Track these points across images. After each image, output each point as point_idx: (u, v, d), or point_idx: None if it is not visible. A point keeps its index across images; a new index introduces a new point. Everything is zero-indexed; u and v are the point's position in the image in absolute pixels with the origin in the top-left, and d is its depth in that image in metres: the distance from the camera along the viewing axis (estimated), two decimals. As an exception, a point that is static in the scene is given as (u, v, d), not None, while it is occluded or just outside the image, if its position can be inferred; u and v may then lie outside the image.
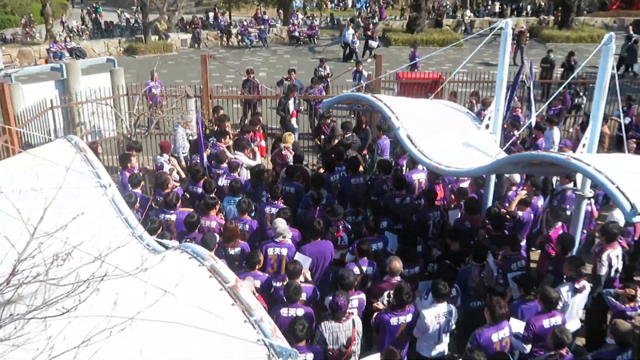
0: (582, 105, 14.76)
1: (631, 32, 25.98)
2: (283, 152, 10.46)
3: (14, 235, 3.10)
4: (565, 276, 6.74)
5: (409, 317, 6.07)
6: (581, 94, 15.10)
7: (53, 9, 32.86)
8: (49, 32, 30.64)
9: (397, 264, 6.58)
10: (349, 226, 8.03)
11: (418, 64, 19.94)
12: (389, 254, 7.13)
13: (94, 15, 38.63)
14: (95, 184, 4.86)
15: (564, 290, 6.50)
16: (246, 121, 14.26)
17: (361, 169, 10.06)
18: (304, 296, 6.28)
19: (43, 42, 29.72)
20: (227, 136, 10.62)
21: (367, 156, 11.41)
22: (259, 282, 6.48)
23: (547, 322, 5.97)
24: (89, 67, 14.05)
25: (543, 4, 41.00)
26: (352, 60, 24.97)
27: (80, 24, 37.23)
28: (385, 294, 6.54)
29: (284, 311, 5.96)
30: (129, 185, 8.50)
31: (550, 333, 5.66)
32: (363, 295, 6.52)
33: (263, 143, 11.73)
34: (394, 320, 6.02)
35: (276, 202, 8.19)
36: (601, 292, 7.04)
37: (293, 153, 10.41)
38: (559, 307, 6.33)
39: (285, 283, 6.34)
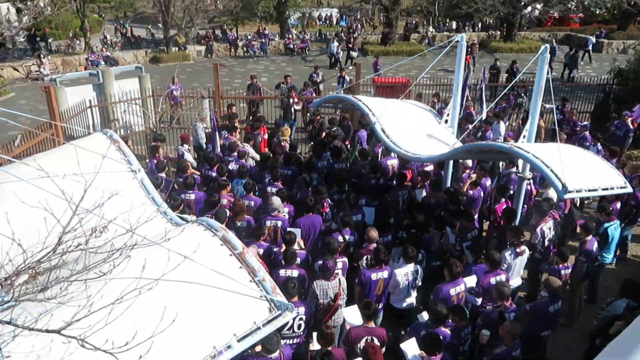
0: (524, 104, 14.72)
1: (554, 44, 25.71)
2: (282, 144, 10.43)
3: (59, 212, 3.05)
4: (508, 242, 6.76)
5: (385, 274, 6.09)
6: (522, 94, 15.08)
7: (90, 25, 32.33)
8: (87, 44, 30.19)
9: (374, 233, 6.59)
10: (332, 203, 7.98)
11: (379, 69, 19.87)
12: (367, 225, 7.13)
13: (124, 30, 37.97)
14: (127, 169, 4.80)
15: (507, 254, 6.52)
16: (251, 117, 14.16)
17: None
18: (298, 260, 6.27)
19: (82, 52, 29.23)
20: (236, 130, 10.64)
21: (349, 145, 11.36)
22: (262, 250, 6.45)
23: (493, 279, 6.00)
24: (120, 73, 13.84)
25: (491, 21, 40.76)
26: (337, 68, 24.76)
27: (118, 37, 36.53)
28: (364, 257, 6.56)
29: (282, 272, 5.95)
30: (156, 170, 8.43)
31: (494, 288, 5.70)
32: (346, 259, 6.51)
33: (266, 136, 11.66)
34: (374, 276, 6.04)
35: (276, 183, 8.15)
36: (537, 258, 7.08)
37: (289, 143, 10.37)
38: (504, 267, 6.37)
39: (283, 249, 6.33)
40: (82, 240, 2.87)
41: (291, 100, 13.42)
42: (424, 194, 8.55)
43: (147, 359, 2.64)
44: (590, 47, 27.71)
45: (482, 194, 8.42)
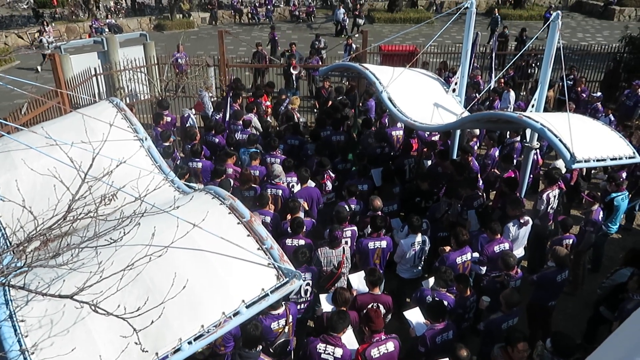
0: (534, 74, 14.35)
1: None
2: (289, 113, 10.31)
3: (67, 179, 3.06)
4: (509, 214, 6.68)
5: (383, 243, 6.13)
6: (533, 64, 14.67)
7: (93, -9, 31.77)
8: (91, 11, 29.76)
9: (378, 202, 6.57)
10: (333, 175, 7.88)
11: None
12: (373, 193, 7.10)
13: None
14: (133, 138, 4.79)
15: (511, 225, 6.47)
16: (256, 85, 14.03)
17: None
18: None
19: (86, 19, 28.87)
20: (239, 98, 10.54)
21: (354, 114, 11.25)
22: (269, 218, 6.46)
23: (497, 248, 6.03)
24: (125, 41, 13.65)
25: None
26: (343, 35, 24.37)
27: (121, 3, 35.84)
28: (369, 226, 6.55)
29: (288, 241, 5.97)
30: (161, 139, 8.39)
31: (500, 257, 5.71)
32: (355, 227, 6.51)
33: (268, 103, 11.54)
34: (371, 244, 6.09)
35: (274, 152, 8.07)
36: (536, 224, 6.99)
37: (298, 114, 10.25)
38: (509, 238, 6.35)
39: (289, 218, 6.33)
40: (91, 207, 2.89)
41: (291, 68, 13.26)
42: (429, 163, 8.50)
43: (158, 324, 2.69)
44: None
45: (475, 163, 8.27)
